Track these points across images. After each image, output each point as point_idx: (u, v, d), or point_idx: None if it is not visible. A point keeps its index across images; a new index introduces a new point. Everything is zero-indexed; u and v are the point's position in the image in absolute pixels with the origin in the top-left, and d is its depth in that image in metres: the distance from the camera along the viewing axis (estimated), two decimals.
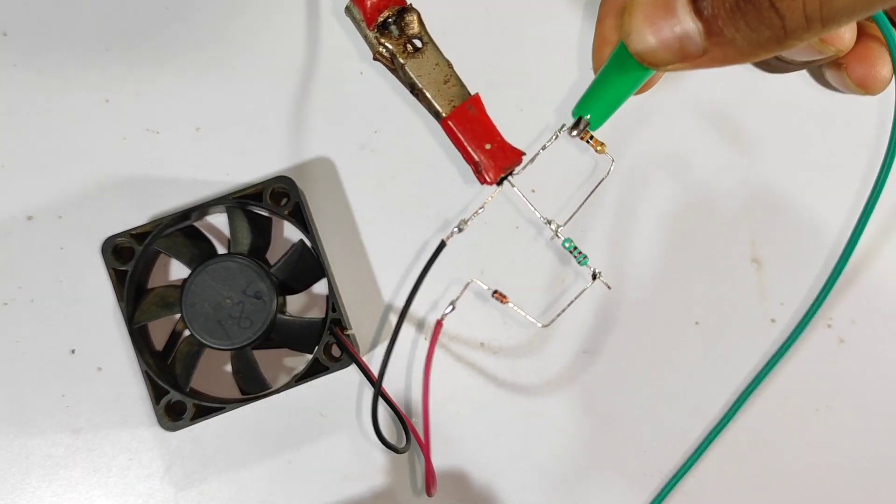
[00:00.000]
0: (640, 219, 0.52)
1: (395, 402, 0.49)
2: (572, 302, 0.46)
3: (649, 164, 0.52)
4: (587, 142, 0.45)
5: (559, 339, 0.52)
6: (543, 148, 0.44)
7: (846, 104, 0.53)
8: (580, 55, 0.49)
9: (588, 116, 0.41)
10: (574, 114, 0.42)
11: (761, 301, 0.53)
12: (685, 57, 0.32)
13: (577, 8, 0.52)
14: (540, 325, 0.46)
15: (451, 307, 0.39)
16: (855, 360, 0.53)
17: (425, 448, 0.48)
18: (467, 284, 0.45)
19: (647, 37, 0.33)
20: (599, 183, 0.46)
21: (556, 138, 0.44)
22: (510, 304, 0.44)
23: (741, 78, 0.53)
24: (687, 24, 0.31)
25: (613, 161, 0.47)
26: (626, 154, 0.52)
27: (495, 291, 0.43)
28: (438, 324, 0.39)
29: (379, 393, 0.47)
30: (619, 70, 0.40)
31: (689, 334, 0.52)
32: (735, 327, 0.53)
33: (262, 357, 0.50)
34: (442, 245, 0.43)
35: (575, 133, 0.42)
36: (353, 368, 0.49)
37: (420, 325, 0.51)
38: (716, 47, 0.31)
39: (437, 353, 0.51)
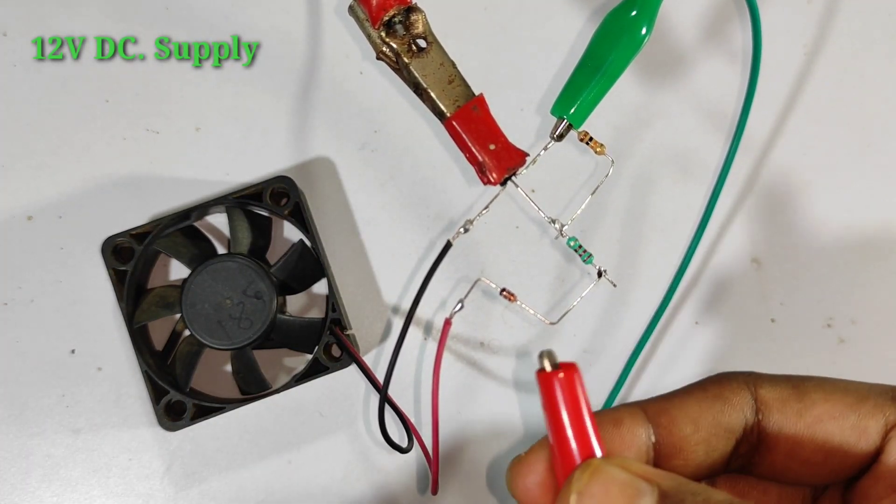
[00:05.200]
0: (640, 219, 0.52)
1: (396, 403, 0.49)
2: (580, 299, 0.46)
3: (649, 165, 0.52)
4: (587, 143, 0.45)
5: (559, 338, 0.52)
6: (545, 149, 0.45)
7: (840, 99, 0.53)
8: (579, 55, 0.49)
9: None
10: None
11: (761, 301, 0.53)
12: None
13: (578, 7, 0.52)
14: (548, 322, 0.46)
15: (459, 305, 0.39)
16: (855, 360, 0.53)
17: (434, 447, 0.48)
18: (475, 282, 0.45)
19: None
20: (601, 183, 0.46)
21: (552, 143, 0.44)
22: (518, 302, 0.44)
23: (742, 78, 0.53)
24: None
25: (613, 162, 0.47)
26: (625, 154, 0.52)
27: (503, 289, 0.43)
28: (447, 322, 0.38)
29: (385, 398, 0.47)
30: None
31: (690, 334, 0.52)
32: (735, 327, 0.53)
33: (262, 357, 0.50)
34: (448, 245, 0.43)
35: (559, 132, 0.43)
36: (353, 368, 0.49)
37: (420, 324, 0.51)
38: None
39: None
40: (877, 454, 0.36)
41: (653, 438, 0.37)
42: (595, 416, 0.35)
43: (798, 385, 0.37)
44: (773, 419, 0.37)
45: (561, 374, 0.32)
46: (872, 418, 0.36)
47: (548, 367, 0.32)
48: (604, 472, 0.31)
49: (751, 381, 0.38)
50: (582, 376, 0.32)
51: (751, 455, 0.38)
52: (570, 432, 0.32)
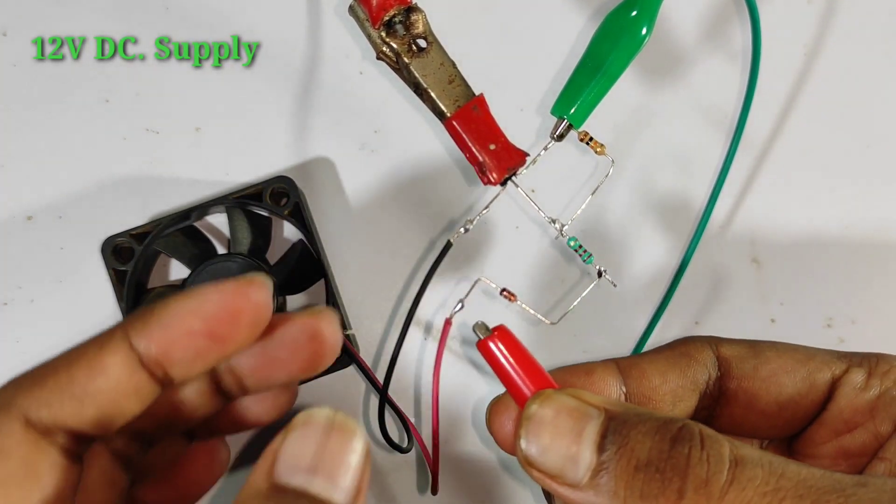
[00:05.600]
0: (640, 219, 0.52)
1: (396, 403, 0.49)
2: (580, 299, 0.46)
3: (649, 165, 0.52)
4: (587, 143, 0.45)
5: (559, 338, 0.52)
6: (545, 148, 0.45)
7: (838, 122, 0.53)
8: (579, 56, 0.49)
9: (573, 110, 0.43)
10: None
11: (761, 301, 0.53)
12: (558, 476, 0.33)
13: (578, 7, 0.52)
14: (548, 322, 0.47)
15: (460, 305, 0.39)
16: None
17: (434, 447, 0.48)
18: (475, 282, 0.45)
19: (540, 447, 0.33)
20: (601, 183, 0.46)
21: (552, 143, 0.45)
22: (518, 302, 0.44)
23: (742, 78, 0.53)
24: (584, 453, 0.32)
25: (613, 162, 0.47)
26: (625, 154, 0.52)
27: (503, 290, 0.43)
28: (448, 322, 0.39)
29: (385, 398, 0.47)
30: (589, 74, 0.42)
31: (690, 334, 0.52)
32: (735, 327, 0.53)
33: None
34: (448, 245, 0.43)
35: (559, 131, 0.43)
36: (353, 368, 0.49)
37: (420, 324, 0.51)
38: (590, 489, 0.32)
39: None
40: (824, 404, 0.40)
41: (623, 389, 0.41)
42: (569, 368, 0.41)
43: (754, 345, 0.41)
44: (733, 374, 0.41)
45: (497, 339, 0.36)
46: (820, 372, 0.40)
47: (482, 335, 0.36)
48: (553, 399, 0.34)
49: (713, 342, 0.42)
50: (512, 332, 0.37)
51: (713, 408, 0.41)
52: (521, 379, 0.36)
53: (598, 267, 0.47)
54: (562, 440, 0.33)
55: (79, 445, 0.34)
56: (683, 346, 0.42)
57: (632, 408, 0.34)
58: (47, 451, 0.32)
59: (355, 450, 0.32)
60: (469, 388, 0.52)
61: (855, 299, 0.53)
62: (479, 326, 0.37)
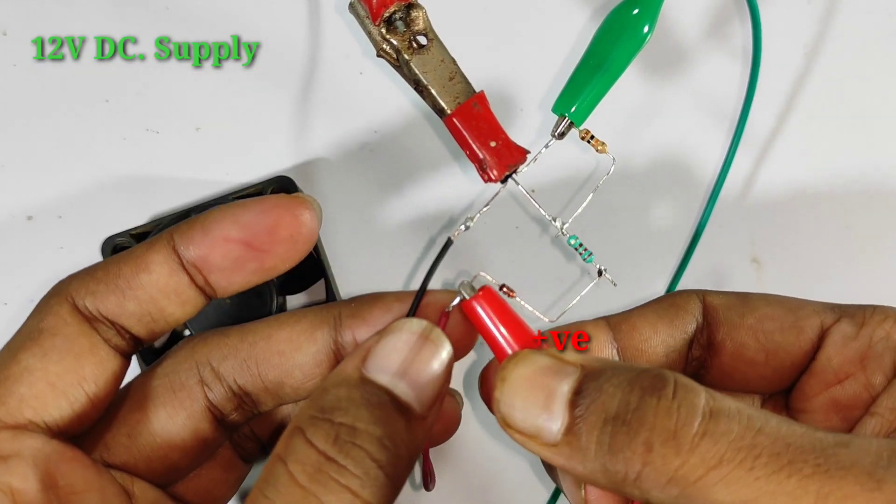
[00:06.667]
0: (640, 217, 0.52)
1: None
2: (580, 297, 0.46)
3: (649, 164, 0.53)
4: (588, 141, 0.45)
5: None
6: (546, 146, 0.45)
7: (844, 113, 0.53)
8: (580, 54, 0.49)
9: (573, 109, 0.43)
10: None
11: None
12: (535, 436, 0.33)
13: (579, 5, 0.52)
14: (547, 320, 0.46)
15: (458, 299, 0.39)
16: None
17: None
18: (474, 277, 0.45)
19: (516, 407, 0.33)
20: (602, 181, 0.46)
21: (553, 141, 0.44)
22: (518, 299, 0.44)
23: (743, 77, 0.53)
24: (558, 410, 0.32)
25: (615, 160, 0.47)
26: (626, 153, 0.52)
27: (503, 285, 0.43)
28: (445, 315, 0.39)
29: None
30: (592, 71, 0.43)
31: None
32: None
33: None
34: (449, 242, 0.42)
35: (560, 130, 0.43)
36: None
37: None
38: (565, 446, 0.32)
39: None
40: (814, 354, 0.39)
41: (615, 344, 0.41)
42: (561, 328, 0.41)
43: (743, 296, 0.41)
44: (720, 322, 0.40)
45: (482, 300, 0.37)
46: (808, 319, 0.40)
47: (467, 296, 0.37)
48: (530, 357, 0.33)
49: (700, 293, 0.42)
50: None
51: (704, 359, 0.41)
52: (504, 339, 0.36)
53: (598, 266, 0.47)
54: (536, 398, 0.32)
55: (124, 343, 0.35)
56: (671, 298, 0.42)
57: (609, 362, 0.33)
58: (91, 337, 0.34)
59: (441, 363, 0.34)
60: (466, 384, 0.51)
61: (855, 299, 0.53)
62: (465, 286, 0.37)
